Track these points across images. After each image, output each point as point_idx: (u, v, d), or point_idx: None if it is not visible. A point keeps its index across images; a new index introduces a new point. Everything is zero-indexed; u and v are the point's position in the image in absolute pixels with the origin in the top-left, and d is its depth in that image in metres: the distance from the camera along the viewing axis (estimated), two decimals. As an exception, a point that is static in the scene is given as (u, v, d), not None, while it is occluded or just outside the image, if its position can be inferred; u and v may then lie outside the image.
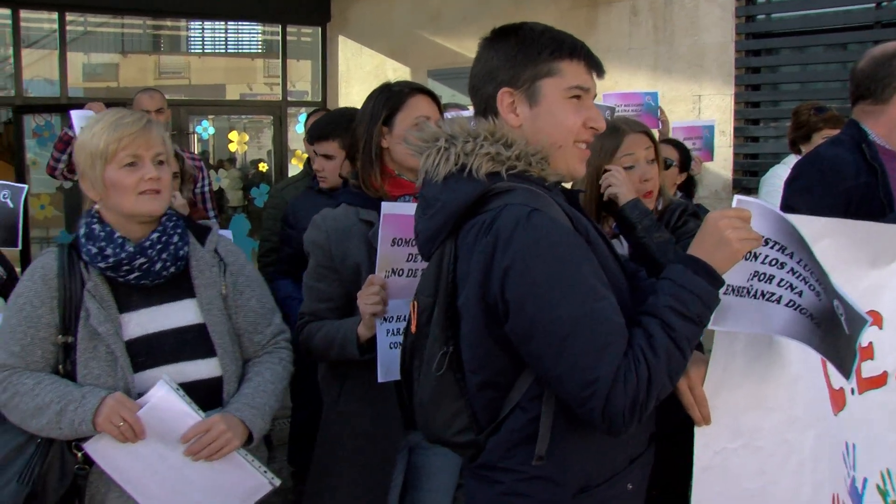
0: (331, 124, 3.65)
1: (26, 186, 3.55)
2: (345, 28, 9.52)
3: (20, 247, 3.51)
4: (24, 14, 8.44)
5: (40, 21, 8.83)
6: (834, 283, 1.62)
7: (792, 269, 1.71)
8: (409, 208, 2.34)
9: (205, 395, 2.24)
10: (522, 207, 1.69)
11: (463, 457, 1.91)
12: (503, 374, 1.76)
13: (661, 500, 2.03)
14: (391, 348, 2.41)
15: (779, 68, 6.38)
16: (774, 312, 1.73)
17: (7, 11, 8.34)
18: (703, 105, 6.44)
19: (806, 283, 1.69)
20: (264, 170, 10.45)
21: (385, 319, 2.41)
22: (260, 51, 11.24)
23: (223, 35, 11.33)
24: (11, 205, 3.41)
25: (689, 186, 4.56)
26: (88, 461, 2.19)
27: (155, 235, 2.27)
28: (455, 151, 1.80)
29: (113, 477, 2.19)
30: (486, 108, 1.86)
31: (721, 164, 6.20)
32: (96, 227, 2.26)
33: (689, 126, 5.52)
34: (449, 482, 2.81)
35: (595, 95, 1.91)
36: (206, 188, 5.50)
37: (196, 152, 9.14)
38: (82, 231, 2.28)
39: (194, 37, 11.37)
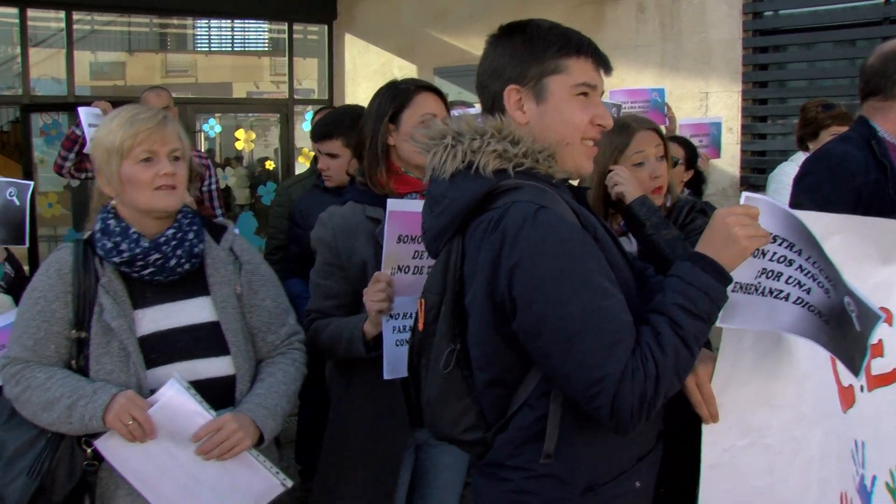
0: (334, 123, 3.65)
1: (32, 183, 3.55)
2: (351, 26, 9.53)
3: (27, 244, 3.52)
4: (31, 13, 8.46)
5: (47, 20, 8.86)
6: (846, 279, 1.61)
7: (800, 267, 1.70)
8: (414, 205, 2.34)
9: (217, 393, 2.23)
10: (530, 205, 1.68)
11: (470, 455, 1.91)
12: (511, 371, 1.76)
13: (669, 498, 2.03)
14: (397, 345, 2.41)
15: (786, 65, 6.37)
16: (783, 310, 1.72)
17: (14, 10, 8.36)
18: (711, 102, 6.43)
19: (815, 280, 1.68)
20: (271, 168, 10.47)
21: (391, 316, 2.41)
22: (266, 49, 11.25)
23: (230, 33, 11.35)
24: (18, 202, 3.41)
25: (697, 183, 4.55)
26: (98, 457, 2.19)
27: (170, 231, 2.27)
28: (462, 149, 1.80)
29: (123, 475, 2.18)
30: (493, 105, 1.86)
31: (728, 161, 6.19)
32: (112, 222, 2.26)
33: (696, 123, 5.51)
34: (456, 480, 2.81)
35: (602, 92, 1.90)
36: (213, 186, 5.50)
37: (203, 150, 9.17)
38: (98, 226, 2.28)
39: (201, 35, 11.39)
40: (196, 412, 2.16)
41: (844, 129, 3.69)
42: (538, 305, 1.64)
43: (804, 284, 1.70)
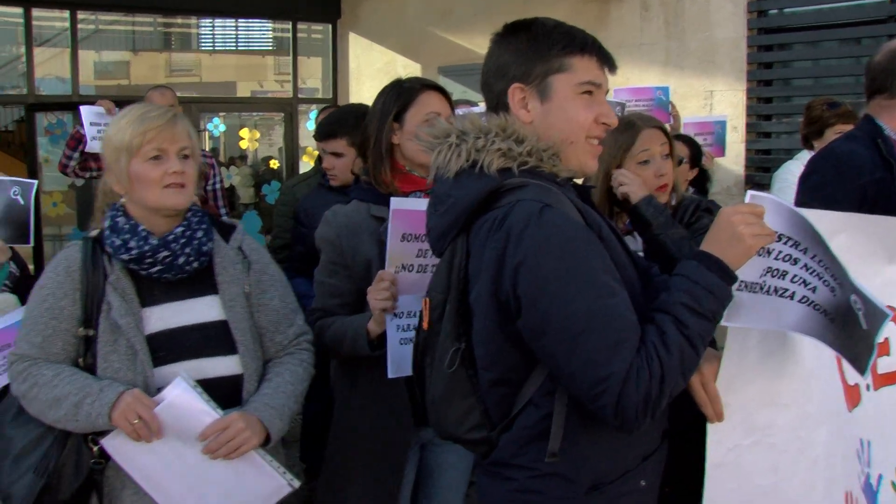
0: (338, 122, 3.65)
1: (36, 182, 3.55)
2: (355, 25, 9.52)
3: (32, 243, 3.52)
4: (35, 13, 8.48)
5: (52, 20, 8.87)
6: (852, 277, 1.60)
7: (805, 265, 1.70)
8: (418, 204, 2.34)
9: (224, 392, 2.22)
10: (534, 203, 1.68)
11: (475, 454, 1.91)
12: (515, 370, 1.76)
13: (674, 498, 2.02)
14: (401, 344, 2.41)
15: (791, 63, 6.36)
16: (787, 308, 1.72)
17: (19, 10, 8.38)
18: (715, 101, 6.42)
19: (820, 278, 1.68)
20: (275, 167, 10.48)
21: (395, 315, 2.41)
22: (271, 48, 11.26)
23: (234, 32, 11.36)
24: (22, 201, 3.41)
25: (701, 182, 4.54)
26: (105, 456, 2.19)
27: (179, 229, 2.26)
28: (466, 147, 1.80)
29: (130, 474, 2.18)
30: (497, 103, 1.86)
31: (733, 160, 6.18)
32: (121, 220, 2.26)
33: (700, 121, 5.49)
34: (461, 479, 2.81)
35: (607, 91, 1.90)
36: (218, 185, 5.51)
37: (207, 149, 9.17)
38: (107, 223, 2.28)
39: (205, 34, 11.40)
40: (203, 411, 2.15)
41: (849, 127, 3.69)
42: (543, 304, 1.63)
43: (809, 283, 1.70)
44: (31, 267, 3.87)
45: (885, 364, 1.91)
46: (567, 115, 1.82)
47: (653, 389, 1.60)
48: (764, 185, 5.71)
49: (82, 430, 2.17)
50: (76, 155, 5.26)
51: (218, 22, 10.96)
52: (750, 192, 1.71)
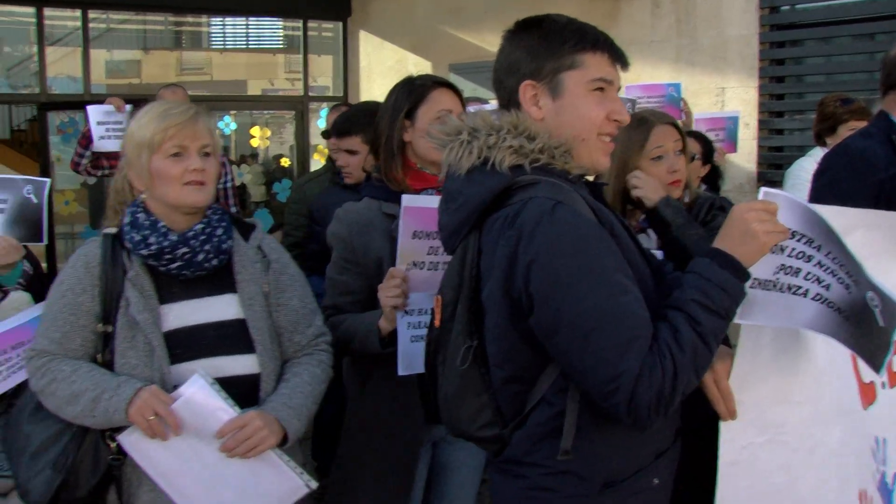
0: (353, 119, 3.65)
1: (49, 181, 3.56)
2: (366, 23, 9.52)
3: (45, 242, 3.53)
4: (47, 12, 8.50)
5: (63, 19, 8.90)
6: (869, 274, 1.59)
7: (819, 263, 1.69)
8: (429, 201, 2.34)
9: (241, 391, 2.21)
10: (546, 200, 1.68)
11: (487, 451, 1.91)
12: (528, 368, 1.76)
13: (687, 496, 2.01)
14: (412, 341, 2.41)
15: (804, 60, 6.32)
16: (801, 306, 1.71)
17: (31, 10, 8.41)
18: (727, 98, 6.39)
19: (834, 276, 1.67)
20: (286, 165, 10.49)
21: (406, 312, 2.41)
22: (281, 46, 11.27)
23: (244, 31, 11.38)
24: (35, 200, 3.42)
25: (713, 179, 4.52)
26: (122, 452, 2.19)
27: (199, 226, 2.26)
28: (478, 145, 1.79)
29: (146, 471, 2.18)
30: (509, 100, 1.85)
31: (745, 157, 6.15)
32: (141, 216, 2.26)
33: (712, 117, 5.47)
34: (473, 477, 2.81)
35: (619, 88, 1.89)
36: (229, 184, 5.52)
37: (218, 148, 9.15)
38: (127, 219, 2.28)
39: (216, 33, 11.42)
40: (220, 408, 2.15)
41: (863, 124, 3.67)
42: (555, 301, 1.63)
43: (823, 280, 1.69)
44: (43, 265, 3.89)
45: (900, 361, 1.90)
46: (579, 112, 1.81)
47: (665, 387, 1.60)
48: (776, 183, 5.68)
49: (100, 427, 2.18)
50: (88, 153, 5.28)
51: (228, 20, 10.97)
52: (763, 189, 1.70)
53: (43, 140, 8.58)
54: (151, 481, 2.19)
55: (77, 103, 8.65)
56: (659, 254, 2.41)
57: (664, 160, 2.76)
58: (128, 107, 5.16)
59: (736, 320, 1.70)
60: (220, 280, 2.29)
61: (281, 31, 11.00)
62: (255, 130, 10.60)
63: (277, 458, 2.21)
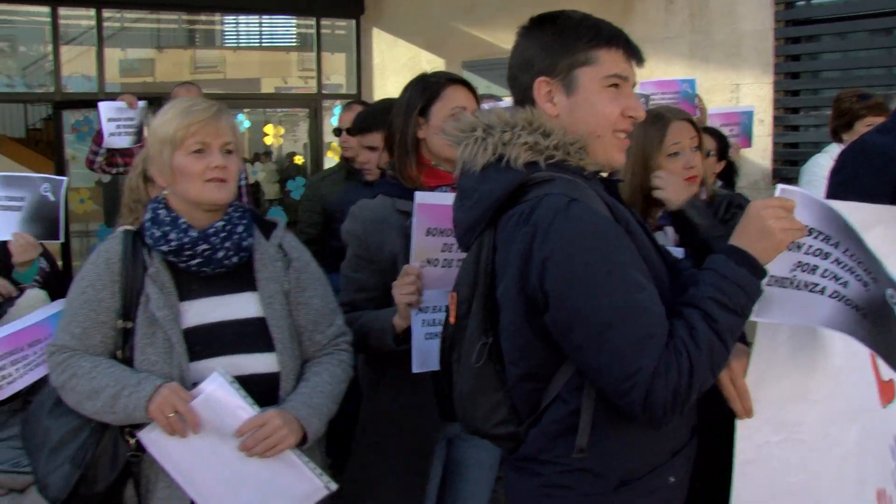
0: (374, 116, 3.64)
1: (66, 179, 3.58)
2: (379, 20, 9.52)
3: (62, 239, 3.55)
4: (62, 11, 8.54)
5: (78, 18, 8.94)
6: (889, 271, 1.58)
7: (837, 260, 1.68)
8: (443, 198, 2.34)
9: (260, 390, 2.20)
10: (561, 197, 1.67)
11: (502, 449, 1.90)
12: (543, 365, 1.75)
13: (703, 494, 2.00)
14: (426, 339, 2.41)
15: (819, 55, 6.27)
16: (818, 304, 1.70)
17: (46, 9, 8.45)
18: (742, 94, 6.35)
19: (852, 273, 1.66)
20: (300, 163, 10.50)
21: (420, 310, 2.41)
22: (294, 44, 11.29)
23: (258, 29, 11.42)
24: (52, 198, 3.45)
25: (729, 175, 4.50)
26: (141, 448, 2.19)
27: (220, 223, 2.26)
28: (492, 141, 1.79)
29: (165, 468, 2.18)
30: (523, 97, 1.85)
31: (760, 153, 6.12)
32: (162, 212, 2.27)
33: (726, 112, 5.43)
34: (488, 474, 2.81)
35: (634, 84, 1.88)
36: (243, 182, 5.52)
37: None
38: (148, 215, 2.29)
39: (229, 31, 11.47)
40: (239, 407, 2.14)
41: (880, 119, 3.63)
42: (570, 299, 1.63)
43: (841, 278, 1.68)
44: (59, 263, 3.91)
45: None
46: (593, 109, 1.81)
47: (681, 385, 1.59)
48: (791, 179, 5.65)
49: (119, 423, 2.18)
50: (102, 151, 5.31)
51: (242, 18, 11.01)
52: (780, 186, 1.69)
53: (58, 138, 8.63)
54: (169, 478, 2.19)
55: (92, 102, 8.70)
56: (677, 251, 2.39)
57: (680, 157, 2.75)
58: (141, 103, 5.18)
59: (752, 318, 1.69)
60: (240, 278, 2.29)
61: (294, 28, 11.03)
62: (269, 128, 10.62)
63: (297, 458, 2.20)
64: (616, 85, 1.82)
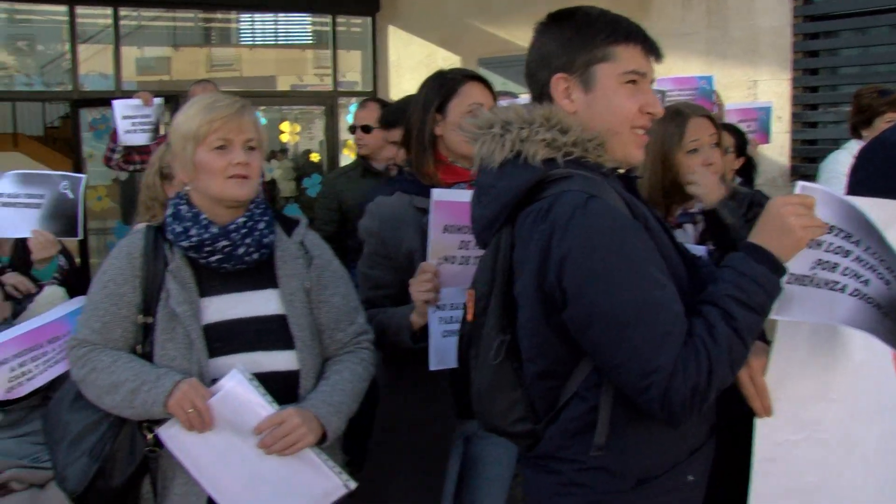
0: (400, 111, 3.64)
1: (84, 176, 3.60)
2: (394, 18, 9.52)
3: (81, 236, 3.57)
4: (79, 10, 8.58)
5: (95, 17, 8.97)
6: None
7: (858, 258, 1.66)
8: (459, 195, 2.33)
9: (280, 388, 2.20)
10: (580, 194, 1.66)
11: (520, 446, 1.90)
12: (561, 363, 1.75)
13: (721, 493, 1.99)
14: (443, 336, 2.41)
15: (838, 51, 6.22)
16: (839, 302, 1.69)
17: (64, 8, 8.49)
18: (760, 90, 6.31)
19: (874, 271, 1.64)
20: (316, 160, 10.51)
21: (438, 307, 2.41)
22: (310, 42, 11.29)
23: (273, 27, 11.42)
24: (71, 195, 3.47)
25: (748, 171, 4.47)
26: (159, 444, 2.20)
27: (241, 220, 2.26)
28: (510, 138, 1.78)
29: (184, 464, 2.18)
30: (541, 93, 1.84)
31: (778, 150, 6.08)
32: (183, 207, 2.27)
33: (743, 108, 5.39)
34: (505, 472, 2.81)
35: (653, 80, 1.87)
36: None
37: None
38: (169, 211, 2.29)
39: (245, 29, 11.48)
40: (258, 404, 2.14)
41: (900, 116, 3.60)
42: (589, 296, 1.62)
43: (861, 276, 1.66)
44: (77, 260, 3.93)
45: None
46: (611, 105, 1.80)
47: (700, 383, 1.58)
48: (809, 177, 5.60)
49: (137, 417, 2.19)
50: (119, 148, 5.33)
51: (257, 16, 11.02)
52: (800, 183, 1.68)
53: (75, 137, 8.68)
54: (186, 474, 2.19)
55: (109, 100, 8.75)
56: (697, 249, 2.37)
57: (699, 153, 2.74)
58: (157, 100, 5.20)
59: (772, 316, 1.68)
60: (261, 275, 2.29)
61: (310, 26, 11.02)
62: (285, 126, 10.64)
63: (315, 456, 2.19)
64: (634, 81, 1.81)
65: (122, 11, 8.83)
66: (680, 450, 1.79)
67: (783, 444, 1.78)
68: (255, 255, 2.27)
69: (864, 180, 2.64)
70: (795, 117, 6.23)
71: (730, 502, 1.86)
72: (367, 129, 4.67)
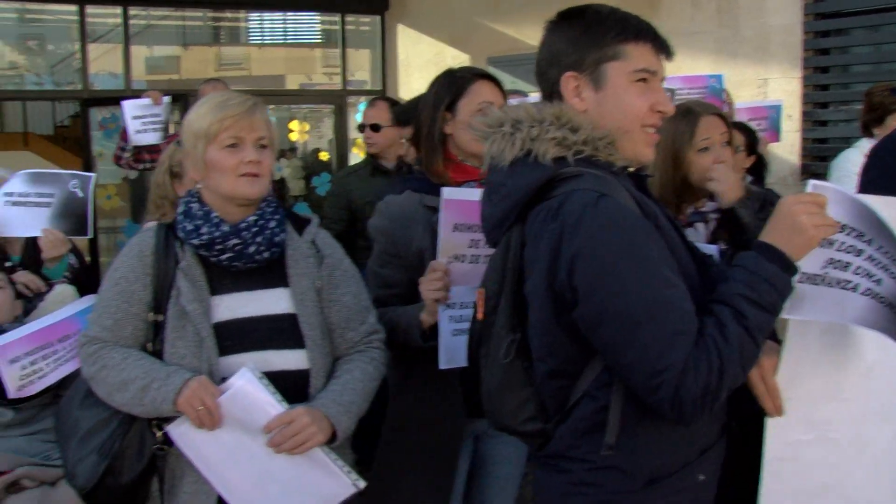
0: (414, 109, 3.65)
1: (94, 175, 3.61)
2: (403, 16, 9.52)
3: (91, 235, 3.58)
4: (89, 10, 8.61)
5: (105, 16, 9.01)
6: None
7: (870, 257, 1.65)
8: (470, 193, 2.33)
9: (290, 387, 2.20)
10: (590, 193, 1.66)
11: (530, 445, 1.90)
12: (571, 361, 1.74)
13: (732, 492, 1.99)
14: (453, 335, 2.40)
15: (850, 49, 6.19)
16: (851, 301, 1.68)
17: (74, 8, 8.53)
18: (770, 89, 6.29)
19: (886, 270, 1.64)
20: (325, 159, 10.52)
21: (448, 306, 2.40)
22: (319, 41, 11.30)
23: (282, 26, 11.44)
24: (81, 194, 3.47)
25: (759, 169, 4.45)
26: (167, 442, 2.20)
27: (252, 218, 2.25)
28: (520, 136, 1.78)
29: (193, 462, 2.18)
30: (551, 92, 1.84)
31: (788, 149, 6.06)
32: (195, 205, 2.27)
33: (753, 107, 5.37)
34: (515, 471, 2.80)
35: (663, 78, 1.86)
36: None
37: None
38: (181, 209, 2.29)
39: (254, 28, 11.50)
40: (268, 403, 2.14)
41: (913, 114, 3.58)
42: (599, 295, 1.62)
43: (874, 275, 1.66)
44: (87, 259, 3.94)
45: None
46: (622, 104, 1.79)
47: (711, 382, 1.58)
48: (820, 175, 5.58)
49: (147, 415, 2.19)
50: (129, 147, 5.34)
51: (267, 15, 11.04)
52: (812, 182, 1.68)
53: (85, 136, 8.72)
54: (196, 473, 2.19)
55: (119, 99, 8.77)
56: (709, 248, 2.36)
57: (711, 152, 2.73)
58: (165, 98, 5.21)
59: (783, 315, 1.67)
60: (272, 273, 2.28)
61: (319, 25, 11.04)
62: (294, 125, 10.65)
63: (325, 455, 2.19)
64: (644, 79, 1.80)
65: (132, 11, 8.87)
66: (690, 449, 1.78)
67: (794, 443, 1.77)
68: (266, 254, 2.26)
69: (875, 179, 2.63)
70: (806, 116, 6.20)
71: (740, 502, 1.86)
72: (376, 127, 4.67)
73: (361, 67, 10.31)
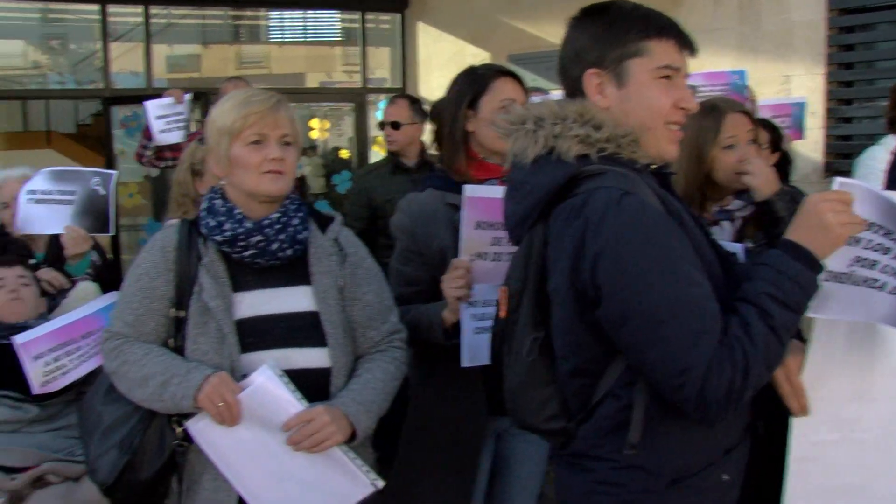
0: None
1: (115, 172, 3.63)
2: (424, 14, 9.52)
3: (113, 232, 3.60)
4: (111, 9, 8.67)
5: (126, 15, 9.07)
6: None
7: (897, 255, 1.63)
8: (492, 191, 2.32)
9: (311, 385, 2.19)
10: (613, 190, 1.65)
11: (552, 444, 1.89)
12: (595, 360, 1.73)
13: (756, 492, 1.97)
14: (476, 333, 2.40)
15: (874, 45, 6.12)
16: (877, 300, 1.66)
17: (96, 7, 8.59)
18: (793, 86, 6.23)
19: (914, 268, 1.61)
20: (346, 156, 10.55)
21: (470, 304, 2.40)
22: (339, 39, 11.31)
23: (302, 24, 11.46)
24: (102, 191, 3.50)
25: (783, 166, 4.41)
26: (187, 438, 2.20)
27: (275, 215, 2.25)
28: (543, 134, 1.77)
29: (212, 459, 2.19)
30: (574, 89, 1.83)
31: (812, 146, 6.00)
32: (218, 202, 2.27)
33: (776, 104, 5.33)
34: (537, 469, 2.80)
35: (687, 75, 1.85)
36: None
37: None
38: (204, 205, 2.29)
39: (274, 26, 11.53)
40: (288, 401, 2.13)
41: (939, 110, 3.54)
42: (623, 294, 1.61)
43: (901, 273, 1.64)
44: (109, 256, 3.96)
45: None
46: (645, 101, 1.78)
47: (736, 381, 1.57)
48: (844, 173, 5.52)
49: (167, 411, 2.19)
50: (151, 145, 5.37)
51: (287, 14, 11.06)
52: (838, 179, 1.66)
53: (107, 134, 8.78)
54: (215, 470, 2.20)
55: (140, 97, 8.84)
56: (734, 247, 2.33)
57: (736, 149, 2.70)
58: (187, 96, 5.23)
59: (809, 314, 1.66)
60: (294, 271, 2.28)
61: (339, 23, 11.05)
62: (315, 122, 10.68)
63: (344, 455, 2.19)
64: (668, 76, 1.79)
65: (153, 10, 8.92)
66: (714, 449, 1.77)
67: (819, 443, 1.76)
68: (289, 251, 2.26)
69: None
70: (830, 113, 6.14)
71: (764, 502, 1.84)
72: (396, 125, 4.67)
73: (381, 65, 10.32)
